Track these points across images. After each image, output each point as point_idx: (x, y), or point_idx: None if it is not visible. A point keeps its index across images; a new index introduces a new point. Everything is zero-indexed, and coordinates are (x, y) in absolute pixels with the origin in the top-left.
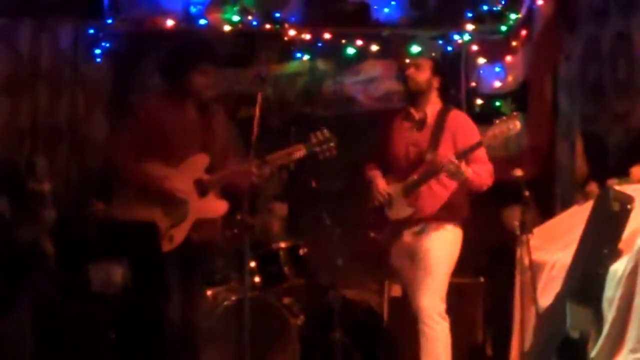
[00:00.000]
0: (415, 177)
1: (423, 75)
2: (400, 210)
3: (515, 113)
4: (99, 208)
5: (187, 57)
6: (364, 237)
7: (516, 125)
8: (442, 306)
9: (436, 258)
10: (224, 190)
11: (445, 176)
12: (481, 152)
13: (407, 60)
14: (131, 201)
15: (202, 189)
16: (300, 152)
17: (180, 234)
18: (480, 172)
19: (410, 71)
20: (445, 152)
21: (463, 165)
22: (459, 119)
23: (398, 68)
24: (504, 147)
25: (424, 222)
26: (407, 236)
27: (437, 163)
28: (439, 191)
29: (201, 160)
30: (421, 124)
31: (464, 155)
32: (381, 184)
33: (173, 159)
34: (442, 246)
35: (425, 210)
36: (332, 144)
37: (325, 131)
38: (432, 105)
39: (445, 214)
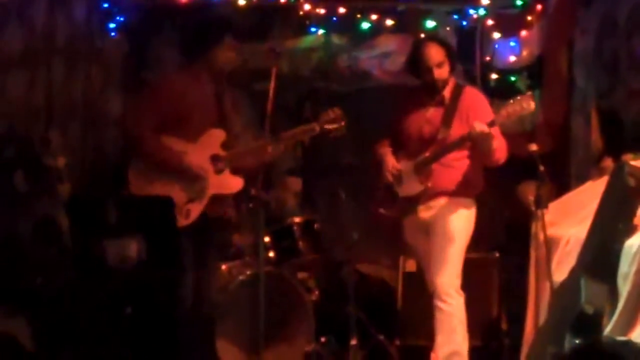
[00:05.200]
0: (427, 154)
1: (446, 69)
2: (411, 187)
3: (529, 93)
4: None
5: (212, 32)
6: (378, 214)
7: (530, 105)
8: (457, 282)
9: (451, 234)
10: (236, 169)
11: (461, 154)
12: (494, 128)
13: (428, 62)
14: (148, 176)
15: (218, 165)
16: (312, 131)
17: (196, 209)
18: (499, 145)
19: (436, 73)
20: (457, 130)
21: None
22: (472, 97)
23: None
24: (519, 122)
25: (437, 197)
26: (422, 212)
27: (451, 140)
28: (451, 169)
29: (217, 136)
30: (438, 102)
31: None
32: (391, 162)
33: (190, 134)
34: (457, 222)
35: (437, 187)
36: (342, 123)
37: (336, 109)
38: (448, 84)
39: (459, 189)
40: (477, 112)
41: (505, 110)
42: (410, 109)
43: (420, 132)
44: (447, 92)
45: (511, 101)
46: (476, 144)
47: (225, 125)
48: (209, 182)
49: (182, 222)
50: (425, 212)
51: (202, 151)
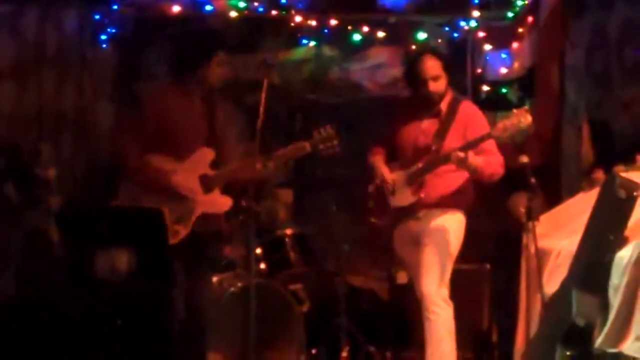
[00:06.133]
0: (419, 165)
1: (442, 82)
2: (403, 198)
3: (525, 107)
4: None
5: (204, 47)
6: (369, 223)
7: (527, 118)
8: (445, 292)
9: (440, 244)
10: (227, 187)
11: (454, 166)
12: (490, 144)
13: (424, 75)
14: (137, 194)
15: (207, 185)
16: (304, 149)
17: (185, 228)
18: (492, 162)
19: (431, 86)
20: (452, 143)
21: (471, 155)
22: (470, 111)
23: (404, 54)
24: (512, 136)
25: (427, 208)
26: (411, 222)
27: (443, 153)
28: (443, 180)
29: (206, 155)
30: (434, 114)
31: (471, 146)
32: (384, 171)
33: (179, 153)
34: (447, 232)
35: (429, 199)
36: (335, 142)
37: (329, 128)
38: (445, 97)
39: (450, 201)
40: (475, 126)
41: (503, 123)
42: (406, 119)
43: (415, 142)
44: (443, 105)
45: (508, 114)
46: (459, 168)
47: (217, 142)
48: (197, 202)
49: (171, 240)
50: (415, 223)
51: (191, 170)
